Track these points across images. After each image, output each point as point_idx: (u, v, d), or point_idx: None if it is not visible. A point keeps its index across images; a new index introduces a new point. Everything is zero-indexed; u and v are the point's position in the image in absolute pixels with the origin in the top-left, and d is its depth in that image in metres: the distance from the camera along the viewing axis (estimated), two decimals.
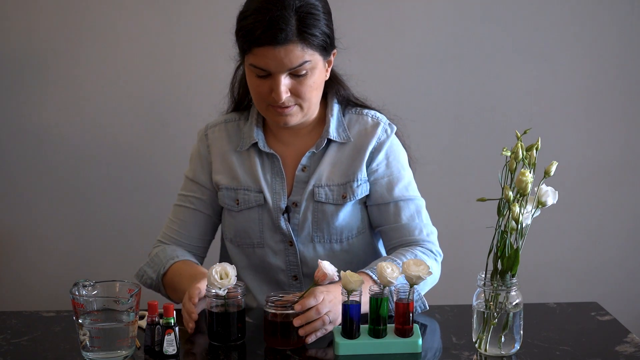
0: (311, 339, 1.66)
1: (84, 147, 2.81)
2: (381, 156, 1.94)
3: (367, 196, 1.95)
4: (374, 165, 1.94)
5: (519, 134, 1.58)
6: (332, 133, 1.93)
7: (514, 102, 2.84)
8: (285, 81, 1.80)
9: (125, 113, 2.80)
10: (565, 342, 1.69)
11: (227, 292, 1.65)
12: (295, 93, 1.82)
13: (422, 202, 1.97)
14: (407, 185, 1.95)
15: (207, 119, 2.05)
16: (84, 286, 1.61)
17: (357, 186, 1.93)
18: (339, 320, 1.68)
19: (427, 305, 1.84)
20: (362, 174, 1.93)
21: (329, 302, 1.67)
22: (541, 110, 2.85)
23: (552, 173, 1.58)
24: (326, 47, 1.84)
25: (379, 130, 1.95)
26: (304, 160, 1.94)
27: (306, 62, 1.80)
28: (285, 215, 1.93)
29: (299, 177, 1.94)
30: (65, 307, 1.82)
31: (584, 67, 2.85)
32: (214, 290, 1.65)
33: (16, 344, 1.68)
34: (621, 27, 2.83)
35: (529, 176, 1.53)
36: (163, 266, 1.92)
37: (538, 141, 1.58)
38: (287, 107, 1.84)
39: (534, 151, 1.57)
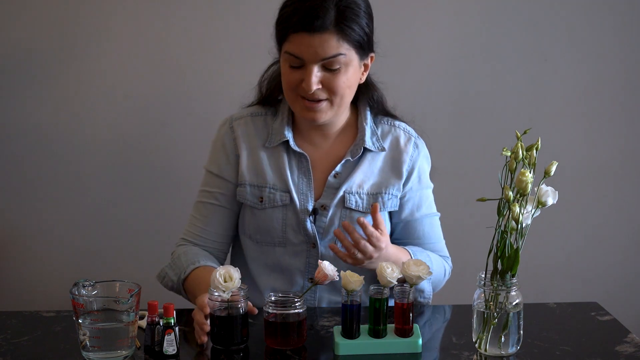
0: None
1: (84, 147, 2.80)
2: (414, 176, 1.97)
3: (394, 210, 1.97)
4: (409, 185, 1.96)
5: (519, 134, 1.58)
6: (368, 142, 1.93)
7: (514, 102, 2.84)
8: (317, 72, 1.79)
9: (126, 113, 2.79)
10: (565, 342, 1.69)
11: (230, 296, 1.63)
12: (327, 87, 1.80)
13: (438, 217, 2.02)
14: (431, 202, 2.01)
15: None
16: (84, 286, 1.61)
17: (388, 199, 1.94)
18: (372, 264, 1.78)
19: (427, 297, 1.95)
20: (394, 189, 1.94)
21: (375, 248, 1.75)
22: (541, 110, 2.85)
23: (552, 173, 1.58)
24: (363, 46, 1.82)
25: (411, 147, 1.97)
26: (338, 168, 1.93)
27: (341, 54, 1.78)
28: (312, 217, 1.92)
29: (330, 183, 1.93)
30: (65, 307, 1.81)
31: (584, 67, 2.84)
32: (217, 293, 1.63)
33: (16, 344, 1.68)
34: (621, 27, 2.82)
35: (529, 176, 1.53)
36: (184, 271, 1.88)
37: (538, 141, 1.58)
38: (317, 102, 1.82)
39: (534, 151, 1.57)
